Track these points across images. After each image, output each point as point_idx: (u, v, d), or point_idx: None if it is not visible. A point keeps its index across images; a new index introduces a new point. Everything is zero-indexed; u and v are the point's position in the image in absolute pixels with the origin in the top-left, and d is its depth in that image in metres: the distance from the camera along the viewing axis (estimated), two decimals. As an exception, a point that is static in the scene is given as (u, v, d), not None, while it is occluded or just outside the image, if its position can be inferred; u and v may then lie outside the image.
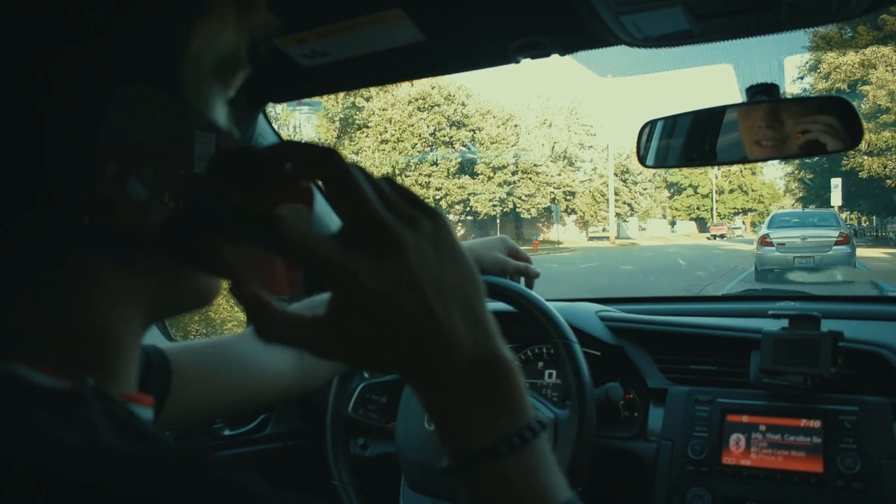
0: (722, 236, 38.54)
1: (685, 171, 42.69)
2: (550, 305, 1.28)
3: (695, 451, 1.29)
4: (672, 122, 1.31)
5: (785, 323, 1.34)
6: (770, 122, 1.21)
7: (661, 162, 1.38)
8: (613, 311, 1.63)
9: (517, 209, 33.29)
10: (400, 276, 0.44)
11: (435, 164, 30.86)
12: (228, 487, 0.36)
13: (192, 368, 0.87)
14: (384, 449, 1.51)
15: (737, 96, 1.28)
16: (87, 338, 0.44)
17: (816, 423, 1.25)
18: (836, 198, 23.07)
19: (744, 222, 43.89)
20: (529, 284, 1.35)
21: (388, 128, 30.14)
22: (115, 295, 0.45)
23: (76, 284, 0.43)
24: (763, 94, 1.19)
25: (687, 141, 1.34)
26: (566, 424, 1.24)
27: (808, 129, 1.17)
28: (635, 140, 1.33)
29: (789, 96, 1.36)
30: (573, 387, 1.23)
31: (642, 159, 1.37)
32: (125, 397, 0.45)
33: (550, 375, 1.59)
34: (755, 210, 43.93)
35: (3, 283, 0.43)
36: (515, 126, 34.79)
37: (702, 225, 45.73)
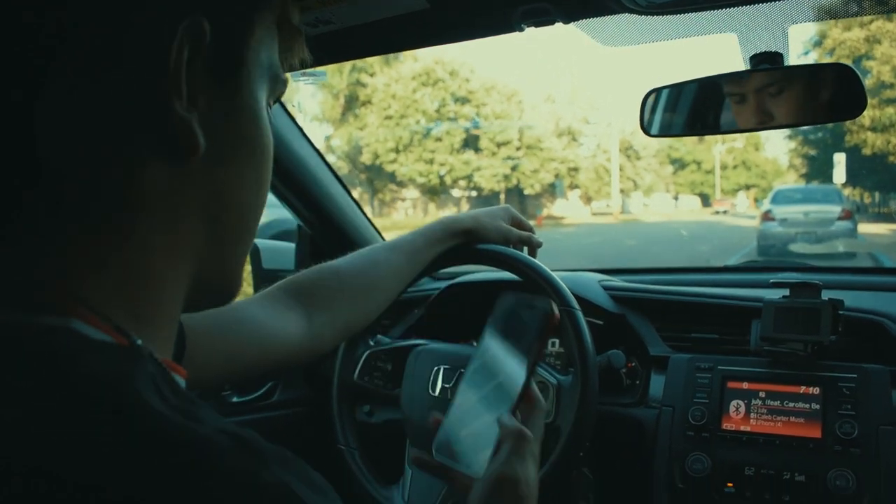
0: (725, 212, 38.48)
1: (689, 146, 42.53)
2: (554, 274, 1.29)
3: (695, 417, 1.31)
4: (677, 91, 1.31)
5: (786, 292, 1.35)
6: (776, 90, 1.21)
7: (666, 131, 1.37)
8: (616, 281, 1.65)
9: (521, 185, 33.21)
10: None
11: (439, 139, 30.75)
12: (283, 488, 0.37)
13: (205, 332, 0.89)
14: (390, 415, 1.53)
15: (740, 67, 1.28)
16: (136, 297, 0.45)
17: (815, 390, 1.27)
18: (840, 173, 22.94)
19: (747, 198, 43.73)
20: (532, 254, 1.36)
21: (391, 104, 29.98)
22: (162, 256, 0.46)
23: (125, 241, 0.44)
24: (766, 63, 1.19)
25: (691, 110, 1.34)
26: (569, 391, 1.26)
27: (812, 99, 1.17)
28: (639, 109, 1.33)
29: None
30: (576, 354, 1.25)
31: (646, 129, 1.37)
32: (167, 365, 0.45)
33: (554, 343, 1.60)
34: (758, 186, 43.74)
35: (56, 233, 0.42)
36: (519, 102, 34.61)
37: (705, 200, 45.59)
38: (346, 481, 1.33)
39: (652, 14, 1.05)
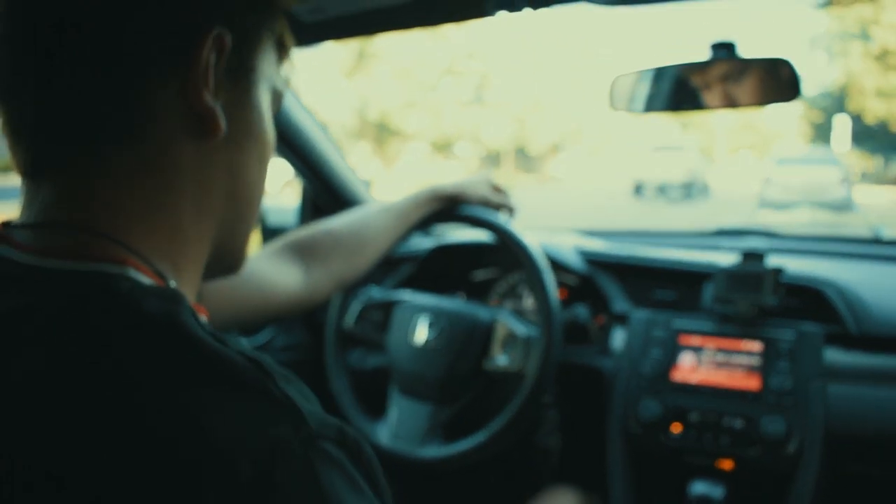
0: (726, 171, 38.37)
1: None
2: (525, 237, 1.42)
3: (649, 368, 1.46)
4: (644, 76, 1.41)
5: (738, 258, 1.49)
6: (732, 78, 1.33)
7: (635, 109, 1.48)
8: (590, 243, 1.78)
9: (526, 145, 33.07)
10: None
11: (447, 95, 30.48)
12: (286, 397, 0.48)
13: (217, 283, 1.02)
14: (379, 361, 1.68)
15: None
16: (172, 252, 0.57)
17: (757, 347, 1.41)
18: (842, 139, 22.84)
19: (749, 158, 43.49)
20: (509, 217, 1.50)
21: (401, 58, 29.64)
22: (193, 222, 0.58)
23: (165, 207, 0.56)
24: (723, 51, 1.31)
25: (659, 92, 1.44)
26: (536, 342, 1.40)
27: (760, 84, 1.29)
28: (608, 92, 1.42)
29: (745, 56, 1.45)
30: (542, 309, 1.39)
31: (617, 108, 1.46)
32: (194, 307, 0.54)
33: (529, 299, 1.75)
34: (760, 148, 43.48)
35: (112, 203, 0.54)
36: (529, 60, 34.25)
37: (709, 160, 45.40)
38: (338, 417, 1.48)
39: (613, 4, 1.17)
